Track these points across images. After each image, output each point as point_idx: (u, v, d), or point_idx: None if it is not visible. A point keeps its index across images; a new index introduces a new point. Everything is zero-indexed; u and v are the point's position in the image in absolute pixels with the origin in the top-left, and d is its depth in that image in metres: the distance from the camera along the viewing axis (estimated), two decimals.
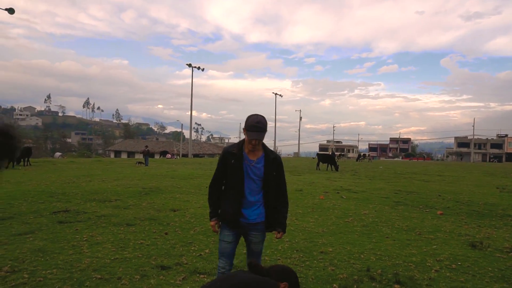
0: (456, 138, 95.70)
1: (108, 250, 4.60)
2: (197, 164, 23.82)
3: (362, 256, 4.76)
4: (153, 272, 3.93)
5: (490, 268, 4.38)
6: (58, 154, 44.33)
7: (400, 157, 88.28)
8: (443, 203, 9.77)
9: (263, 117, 2.80)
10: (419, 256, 4.83)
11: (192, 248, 4.90)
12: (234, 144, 2.98)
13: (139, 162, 22.74)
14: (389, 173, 21.58)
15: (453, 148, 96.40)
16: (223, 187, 2.99)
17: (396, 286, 3.70)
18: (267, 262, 4.33)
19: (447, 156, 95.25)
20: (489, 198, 11.06)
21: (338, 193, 11.11)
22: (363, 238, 5.73)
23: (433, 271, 4.23)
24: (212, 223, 2.94)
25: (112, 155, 59.02)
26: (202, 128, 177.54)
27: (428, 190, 12.79)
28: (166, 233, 5.57)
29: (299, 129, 76.31)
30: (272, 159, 2.90)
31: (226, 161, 2.86)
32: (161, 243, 5.03)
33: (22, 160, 19.15)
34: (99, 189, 9.86)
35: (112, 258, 4.31)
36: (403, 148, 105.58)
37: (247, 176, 2.83)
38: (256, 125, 2.73)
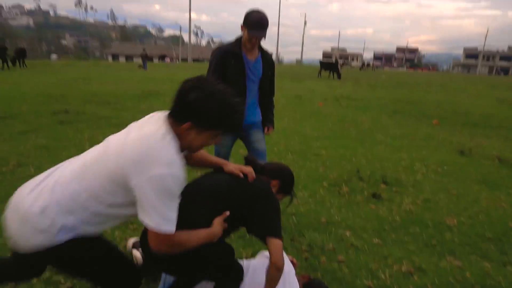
0: (465, 49, 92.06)
1: None
2: (197, 69, 23.34)
3: (353, 159, 4.96)
4: None
5: (473, 173, 4.59)
6: (54, 56, 43.12)
7: (405, 67, 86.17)
8: (440, 113, 9.85)
9: (265, 14, 2.59)
10: (408, 160, 5.03)
11: None
12: (230, 43, 2.75)
13: (141, 66, 22.28)
14: (392, 82, 21.29)
15: (460, 60, 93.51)
16: None
17: (382, 185, 3.93)
18: None
19: (453, 68, 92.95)
20: (487, 109, 11.10)
21: (337, 100, 11.11)
22: (357, 143, 5.91)
23: (419, 174, 4.45)
24: None
25: (110, 59, 57.51)
26: (202, 31, 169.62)
27: (428, 101, 12.78)
28: None
29: (303, 35, 72.99)
30: (269, 59, 2.82)
31: (226, 61, 2.64)
32: None
33: (17, 61, 18.70)
34: (98, 92, 9.83)
35: None
36: (409, 58, 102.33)
37: (248, 77, 2.72)
38: (259, 22, 2.51)
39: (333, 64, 23.02)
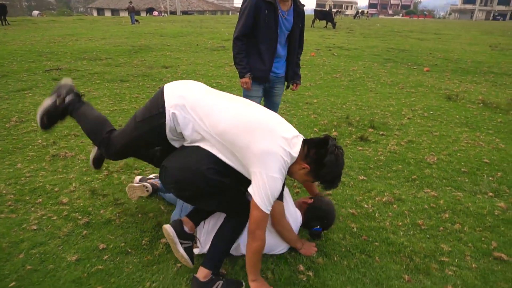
0: None
1: (106, 103, 4.89)
2: (186, 22, 22.61)
3: (344, 106, 5.14)
4: None
5: (457, 116, 4.82)
6: (36, 12, 41.12)
7: (401, 14, 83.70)
8: (432, 61, 9.90)
9: None
10: (397, 106, 5.23)
11: None
12: None
13: (136, 21, 21.48)
14: (385, 31, 20.92)
15: (457, 5, 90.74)
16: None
17: (370, 130, 4.15)
18: None
19: (450, 14, 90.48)
20: (478, 56, 11.14)
21: (329, 50, 11.05)
22: (348, 91, 6.06)
23: (406, 118, 4.67)
24: (246, 79, 2.69)
25: (95, 13, 55.08)
26: None
27: (421, 48, 12.72)
28: (159, 88, 5.81)
29: None
30: (300, 11, 2.70)
31: (259, 11, 2.52)
32: None
33: None
34: (88, 48, 9.68)
35: (111, 110, 4.63)
36: (405, 4, 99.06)
37: (280, 28, 2.62)
38: None
39: (327, 12, 22.40)
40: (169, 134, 1.76)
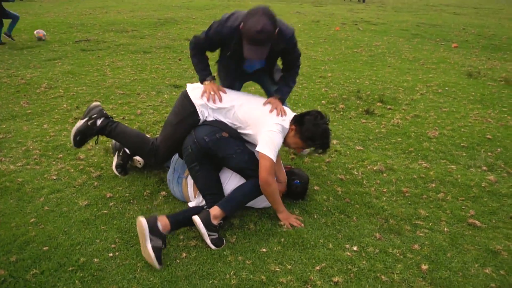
0: None
1: (128, 73, 5.17)
2: None
3: (357, 81, 5.16)
4: (167, 89, 4.54)
5: (473, 93, 4.73)
6: None
7: None
8: (463, 37, 9.49)
9: (271, 18, 1.86)
10: (412, 82, 5.18)
11: None
12: (233, 33, 2.05)
13: None
14: (420, 5, 19.94)
15: None
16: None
17: (378, 104, 4.19)
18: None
19: None
20: None
21: (355, 24, 10.80)
22: (365, 67, 6.02)
23: (418, 94, 4.65)
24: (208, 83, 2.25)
25: None
26: None
27: (454, 23, 12.14)
28: (179, 59, 6.02)
29: None
30: (276, 50, 2.11)
31: (225, 44, 2.21)
32: (175, 68, 5.54)
33: None
34: (116, 20, 9.98)
35: (132, 79, 4.90)
36: None
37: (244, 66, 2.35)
38: (256, 37, 1.85)
39: None
40: None
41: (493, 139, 3.35)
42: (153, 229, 1.76)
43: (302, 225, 2.08)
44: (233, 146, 2.07)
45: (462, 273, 1.78)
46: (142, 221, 1.76)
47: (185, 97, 2.15)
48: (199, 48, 2.26)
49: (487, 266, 1.83)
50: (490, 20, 13.40)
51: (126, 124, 2.48)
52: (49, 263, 1.74)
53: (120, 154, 2.50)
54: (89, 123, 2.22)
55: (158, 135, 2.27)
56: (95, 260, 1.77)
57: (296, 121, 2.11)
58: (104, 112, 2.31)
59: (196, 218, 1.87)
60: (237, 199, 2.02)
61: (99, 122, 2.24)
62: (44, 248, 1.83)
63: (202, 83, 2.23)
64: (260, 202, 2.16)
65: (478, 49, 8.03)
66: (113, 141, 2.55)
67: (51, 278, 1.66)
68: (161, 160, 2.26)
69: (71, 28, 8.69)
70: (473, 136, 3.41)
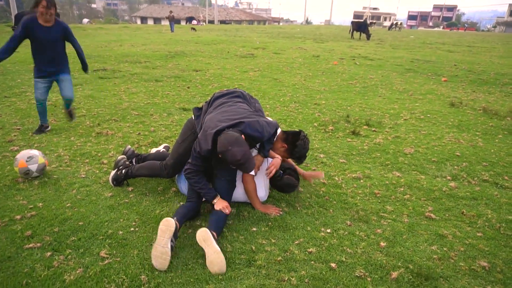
0: (510, 5, 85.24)
1: (142, 98, 5.78)
2: (222, 30, 23.79)
3: (348, 108, 5.71)
4: (177, 112, 5.11)
5: (452, 120, 5.25)
6: (85, 20, 44.51)
7: (441, 26, 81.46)
8: (454, 72, 10.15)
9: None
10: (398, 109, 5.72)
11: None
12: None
13: (193, 28, 23.13)
14: (417, 42, 20.96)
15: (504, 18, 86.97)
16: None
17: (364, 127, 4.71)
18: (268, 110, 5.39)
19: (495, 27, 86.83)
20: (505, 68, 11.19)
21: (353, 59, 11.56)
22: (357, 96, 6.61)
23: (402, 119, 5.17)
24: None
25: (139, 22, 58.43)
26: None
27: (447, 60, 12.88)
28: (188, 87, 6.66)
29: None
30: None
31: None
32: (183, 94, 6.16)
33: None
34: (130, 53, 10.82)
35: (145, 103, 5.49)
36: (446, 16, 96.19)
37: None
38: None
39: (362, 23, 22.65)
40: None
41: (461, 156, 3.83)
42: (176, 233, 2.04)
43: (281, 212, 2.54)
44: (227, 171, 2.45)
45: (413, 249, 2.21)
46: (171, 221, 2.03)
47: (189, 121, 2.70)
48: (195, 172, 2.39)
49: (434, 244, 2.26)
50: (481, 58, 14.17)
51: (141, 138, 2.99)
52: (84, 233, 2.21)
53: (119, 173, 2.88)
54: (118, 173, 2.84)
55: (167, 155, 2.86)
56: (120, 232, 2.24)
57: (287, 142, 2.63)
58: (127, 162, 2.92)
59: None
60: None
61: (123, 171, 2.82)
62: (80, 223, 2.30)
63: (211, 202, 2.42)
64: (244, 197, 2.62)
65: (466, 83, 8.64)
66: (117, 157, 3.09)
67: (86, 243, 2.12)
68: (171, 173, 2.72)
69: (89, 59, 9.44)
70: (443, 153, 3.88)
